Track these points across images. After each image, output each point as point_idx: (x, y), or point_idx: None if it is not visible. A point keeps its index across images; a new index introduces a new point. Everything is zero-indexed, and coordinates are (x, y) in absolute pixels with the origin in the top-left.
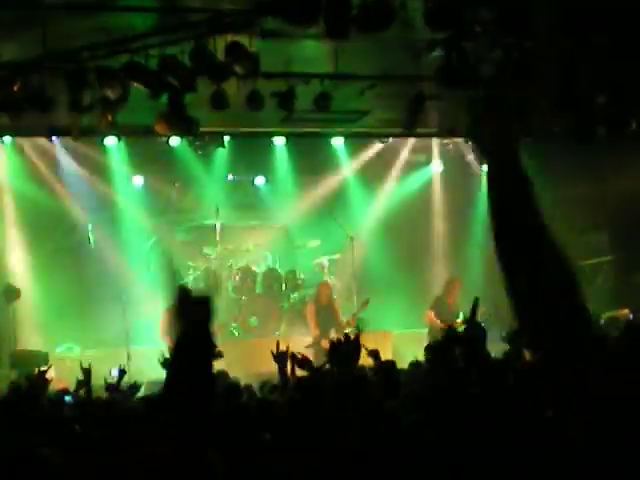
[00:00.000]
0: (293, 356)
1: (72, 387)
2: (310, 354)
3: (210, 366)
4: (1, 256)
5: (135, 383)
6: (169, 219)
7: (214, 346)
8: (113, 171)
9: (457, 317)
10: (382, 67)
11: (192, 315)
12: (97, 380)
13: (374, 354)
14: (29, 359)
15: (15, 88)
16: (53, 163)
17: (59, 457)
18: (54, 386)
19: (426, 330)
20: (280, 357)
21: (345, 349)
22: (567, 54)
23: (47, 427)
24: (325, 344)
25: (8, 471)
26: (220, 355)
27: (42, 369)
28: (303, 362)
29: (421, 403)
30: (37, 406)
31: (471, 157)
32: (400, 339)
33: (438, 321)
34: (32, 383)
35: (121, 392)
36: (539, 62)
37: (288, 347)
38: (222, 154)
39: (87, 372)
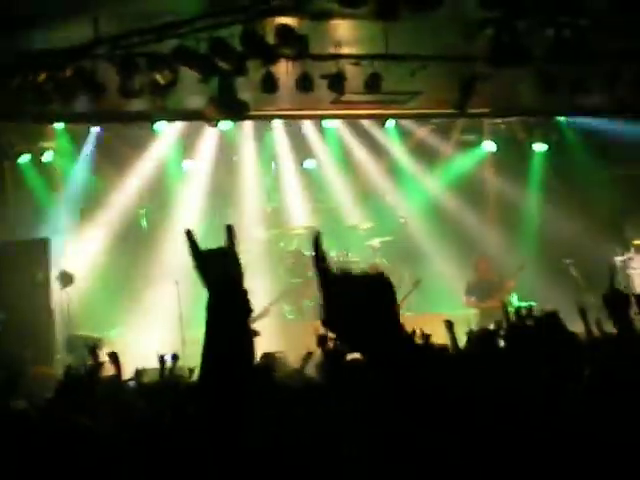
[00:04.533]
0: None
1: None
2: None
3: (248, 329)
4: (56, 241)
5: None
6: (221, 203)
7: (248, 305)
8: (164, 155)
9: (500, 291)
10: (433, 47)
11: (214, 269)
12: (151, 365)
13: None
14: (84, 343)
15: (67, 74)
16: (105, 148)
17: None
18: (107, 370)
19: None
20: (322, 339)
21: None
22: (620, 32)
23: (104, 410)
24: None
25: (55, 443)
26: (256, 334)
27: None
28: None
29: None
30: (94, 390)
31: (523, 137)
32: (453, 321)
33: (482, 304)
34: (91, 366)
35: (175, 377)
36: (592, 40)
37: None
38: (272, 137)
39: (114, 356)
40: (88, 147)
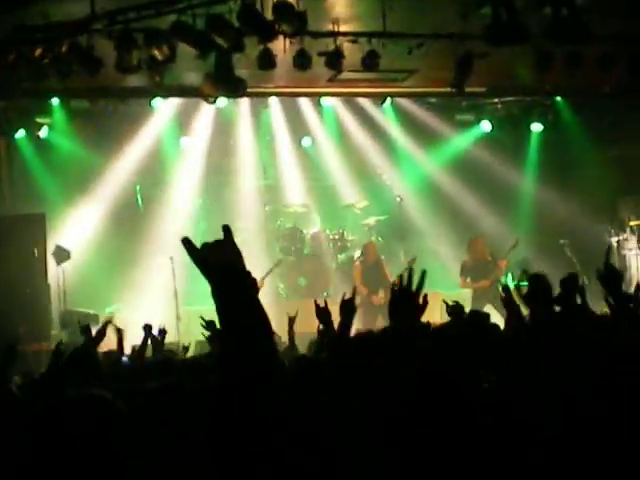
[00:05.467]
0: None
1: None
2: (358, 313)
3: (259, 305)
4: (52, 217)
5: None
6: (217, 180)
7: (252, 282)
8: (161, 132)
9: (494, 271)
10: (431, 25)
11: (213, 259)
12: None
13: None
14: (79, 319)
15: (63, 49)
16: (101, 124)
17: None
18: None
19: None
20: (322, 314)
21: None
22: (618, 11)
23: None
24: (376, 300)
25: (72, 415)
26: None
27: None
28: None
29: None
30: (92, 364)
31: (520, 116)
32: (448, 300)
33: (475, 284)
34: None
35: (168, 352)
36: (589, 19)
37: (326, 303)
38: (268, 114)
39: (119, 331)
40: (85, 122)
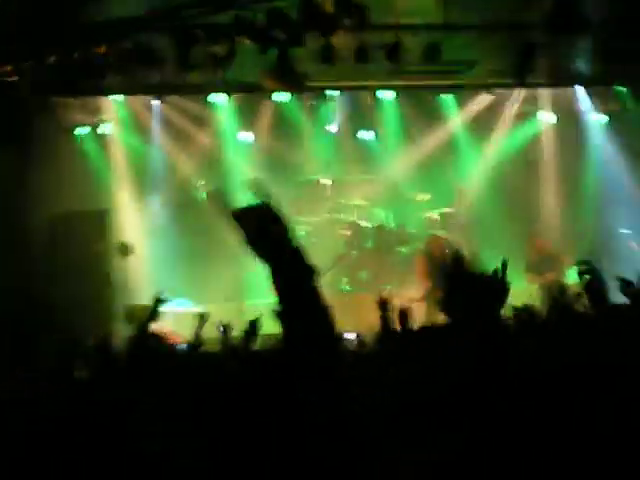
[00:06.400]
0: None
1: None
2: (421, 308)
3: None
4: (115, 213)
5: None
6: (278, 175)
7: (308, 265)
8: (222, 128)
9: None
10: (491, 16)
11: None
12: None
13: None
14: (143, 314)
15: (125, 46)
16: (162, 120)
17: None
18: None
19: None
20: (383, 306)
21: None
22: None
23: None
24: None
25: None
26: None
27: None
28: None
29: None
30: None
31: (583, 107)
32: (512, 293)
33: (541, 278)
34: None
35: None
36: None
37: (389, 296)
38: (330, 109)
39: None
40: (154, 121)
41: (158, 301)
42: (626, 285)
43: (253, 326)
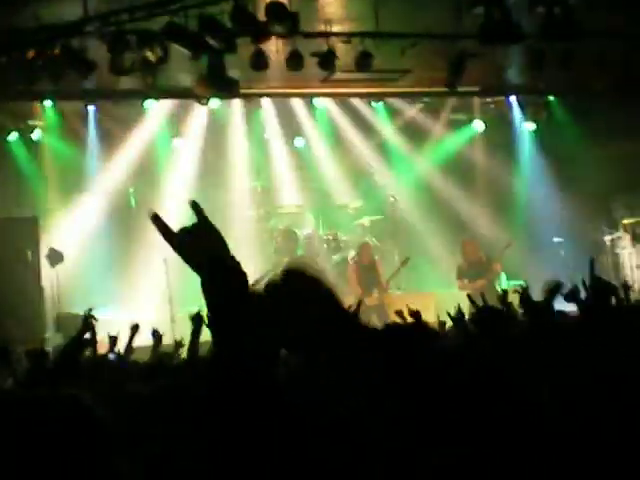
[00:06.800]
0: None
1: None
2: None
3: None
4: (45, 219)
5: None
6: (210, 181)
7: (242, 273)
8: (154, 133)
9: (489, 271)
10: (423, 25)
11: (196, 248)
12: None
13: (416, 315)
14: (73, 322)
15: (56, 51)
16: (95, 125)
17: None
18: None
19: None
20: None
21: None
22: (610, 8)
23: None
24: (371, 300)
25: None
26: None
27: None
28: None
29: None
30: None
31: (513, 115)
32: (442, 299)
33: (473, 285)
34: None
35: (164, 354)
36: (582, 18)
37: None
38: (261, 115)
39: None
40: (88, 126)
41: (90, 311)
42: (572, 292)
43: (198, 321)
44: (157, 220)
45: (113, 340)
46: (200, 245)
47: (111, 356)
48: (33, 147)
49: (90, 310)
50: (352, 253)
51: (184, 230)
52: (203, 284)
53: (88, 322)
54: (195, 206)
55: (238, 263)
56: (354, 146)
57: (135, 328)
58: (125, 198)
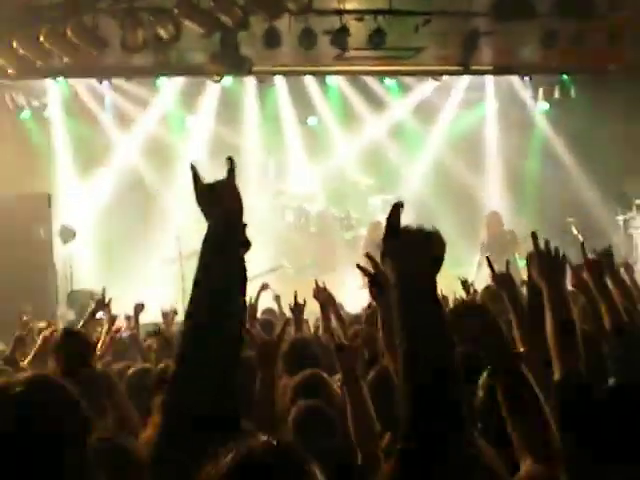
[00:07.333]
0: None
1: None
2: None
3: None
4: (57, 197)
5: None
6: (223, 159)
7: (247, 239)
8: (166, 111)
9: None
10: (437, 2)
11: (215, 202)
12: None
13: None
14: (85, 299)
15: (69, 28)
16: (108, 103)
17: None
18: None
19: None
20: (320, 295)
21: None
22: None
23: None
24: None
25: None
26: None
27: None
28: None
29: None
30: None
31: (526, 95)
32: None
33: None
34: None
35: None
36: None
37: (325, 285)
38: (274, 93)
39: (100, 302)
40: (103, 103)
41: (104, 291)
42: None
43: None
44: (193, 168)
45: (128, 319)
46: (220, 199)
47: (124, 334)
48: (46, 124)
49: (104, 290)
50: (364, 231)
51: (212, 184)
52: (208, 234)
53: (101, 301)
54: (231, 163)
55: (246, 227)
56: (367, 124)
57: (139, 307)
58: (138, 175)
